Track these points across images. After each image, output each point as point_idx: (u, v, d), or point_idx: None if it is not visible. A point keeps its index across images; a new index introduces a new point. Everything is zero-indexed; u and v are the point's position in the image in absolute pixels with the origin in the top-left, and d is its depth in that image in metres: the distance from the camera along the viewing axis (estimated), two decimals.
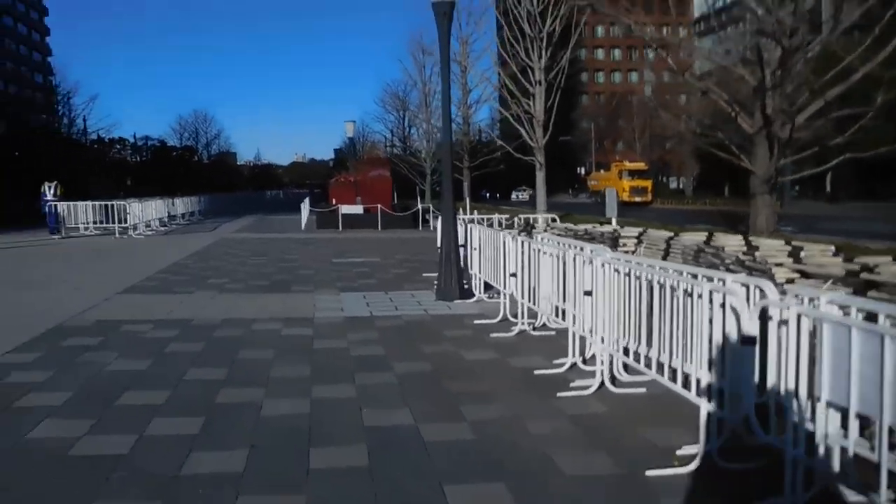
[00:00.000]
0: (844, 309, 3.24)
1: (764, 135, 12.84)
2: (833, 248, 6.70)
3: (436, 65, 42.12)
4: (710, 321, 4.04)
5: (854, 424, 3.16)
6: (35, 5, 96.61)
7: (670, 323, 4.63)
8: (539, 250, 7.51)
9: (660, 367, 4.93)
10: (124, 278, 12.23)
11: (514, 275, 8.14)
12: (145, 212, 26.04)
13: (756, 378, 3.84)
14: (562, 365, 6.38)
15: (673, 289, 4.51)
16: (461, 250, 10.47)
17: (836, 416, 3.28)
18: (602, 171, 75.22)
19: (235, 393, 5.57)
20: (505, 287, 8.48)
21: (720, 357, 4.01)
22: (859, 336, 2.97)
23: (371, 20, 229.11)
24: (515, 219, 14.86)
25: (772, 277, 4.72)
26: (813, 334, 3.34)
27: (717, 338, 4.01)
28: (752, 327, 3.68)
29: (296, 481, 3.94)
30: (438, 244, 13.24)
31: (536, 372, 6.25)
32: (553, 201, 46.62)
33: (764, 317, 3.76)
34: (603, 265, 5.54)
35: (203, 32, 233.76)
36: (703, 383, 4.14)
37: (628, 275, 5.17)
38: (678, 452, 4.32)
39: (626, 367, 5.87)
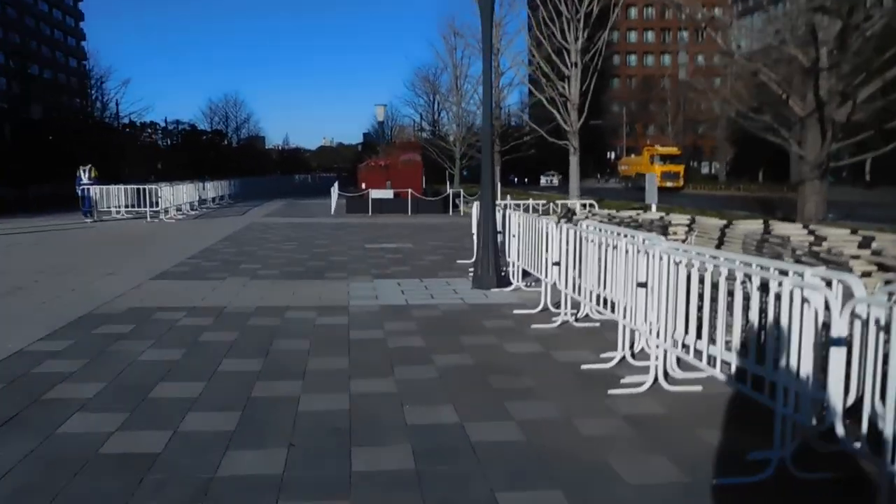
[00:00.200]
0: None
1: (816, 118, 12.27)
2: None
3: (467, 47, 41.86)
4: (788, 318, 3.70)
5: None
6: None
7: (739, 319, 4.30)
8: (585, 238, 7.19)
9: (724, 365, 4.60)
10: (156, 263, 12.12)
11: (557, 264, 7.82)
12: (176, 196, 26.08)
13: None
14: (610, 359, 6.07)
15: (743, 282, 4.16)
16: (498, 237, 10.17)
17: None
18: (633, 156, 74.21)
19: (271, 386, 5.35)
20: (546, 276, 8.16)
21: (799, 358, 3.67)
22: None
23: (401, 2, 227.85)
24: (552, 205, 14.49)
25: (850, 271, 4.35)
26: None
27: (796, 337, 3.67)
28: (841, 327, 3.34)
29: (339, 486, 3.69)
30: (473, 230, 12.96)
31: (584, 367, 5.94)
32: (583, 186, 46.06)
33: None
34: (661, 255, 5.19)
35: (233, 17, 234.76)
36: (780, 385, 3.81)
37: (690, 266, 4.83)
38: (747, 458, 3.99)
39: (677, 362, 5.56)
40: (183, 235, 18.26)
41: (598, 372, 5.82)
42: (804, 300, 3.60)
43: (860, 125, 12.66)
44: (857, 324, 3.55)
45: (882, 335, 3.16)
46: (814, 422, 3.79)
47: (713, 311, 4.73)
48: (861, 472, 3.81)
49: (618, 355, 6.06)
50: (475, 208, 13.09)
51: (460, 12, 64.47)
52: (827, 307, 3.51)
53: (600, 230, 6.99)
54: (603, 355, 6.25)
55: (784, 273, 3.94)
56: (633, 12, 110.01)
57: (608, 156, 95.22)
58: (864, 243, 5.23)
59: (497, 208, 10.45)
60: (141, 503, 3.48)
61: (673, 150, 64.30)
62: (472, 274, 10.69)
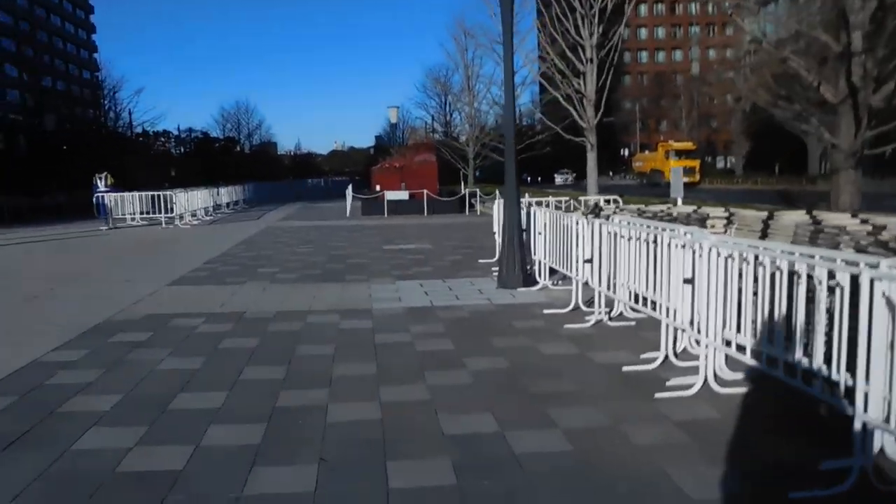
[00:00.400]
0: None
1: (849, 105, 11.84)
2: None
3: (478, 47, 41.47)
4: (869, 314, 3.35)
5: None
6: (81, 4, 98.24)
7: (802, 316, 3.96)
8: (618, 234, 6.86)
9: (787, 366, 4.26)
10: (173, 269, 11.89)
11: (589, 261, 7.49)
12: (191, 201, 25.91)
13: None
14: (652, 360, 5.73)
15: (810, 277, 3.82)
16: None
17: None
18: (647, 152, 73.53)
19: (297, 395, 5.05)
20: (577, 274, 7.83)
21: (881, 360, 3.33)
22: None
23: (410, 4, 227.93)
24: (572, 202, 14.15)
25: None
26: None
27: (880, 334, 3.32)
28: None
29: None
30: (495, 229, 12.67)
31: (625, 369, 5.60)
32: (598, 184, 45.55)
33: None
34: (709, 250, 4.85)
35: (243, 24, 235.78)
36: (860, 389, 3.46)
37: (745, 260, 4.48)
38: (820, 468, 3.65)
39: (725, 361, 5.21)
40: (199, 241, 18.05)
41: (641, 374, 5.49)
42: (885, 294, 3.26)
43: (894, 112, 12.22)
44: None
45: None
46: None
47: (772, 307, 4.38)
48: None
49: (660, 356, 5.72)
50: (497, 207, 12.80)
51: (471, 12, 64.22)
52: None
53: (634, 225, 6.66)
54: (643, 356, 5.91)
55: (853, 264, 3.59)
56: (644, 9, 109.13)
57: (621, 153, 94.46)
58: None
59: (520, 206, 10.10)
60: None
61: (688, 145, 63.57)
62: (495, 273, 10.38)
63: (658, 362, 5.65)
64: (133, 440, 4.20)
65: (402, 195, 26.52)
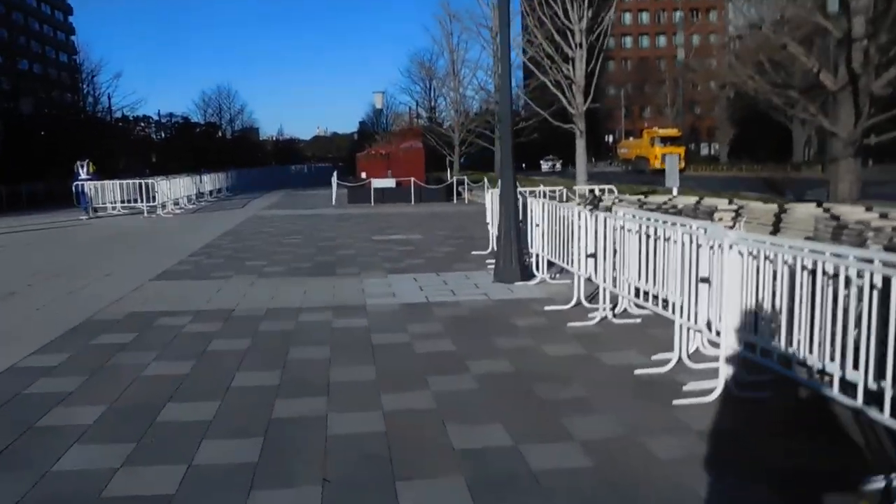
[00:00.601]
0: None
1: (849, 92, 11.63)
2: None
3: (464, 31, 40.95)
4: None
5: None
6: None
7: (846, 320, 3.72)
8: (623, 228, 6.60)
9: (812, 371, 4.02)
10: (156, 262, 11.50)
11: (592, 255, 7.23)
12: (173, 190, 25.38)
13: None
14: (664, 362, 5.48)
15: (848, 279, 3.57)
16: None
17: None
18: (632, 139, 73.46)
19: (294, 405, 4.75)
20: (579, 269, 7.57)
21: None
22: None
23: None
24: (565, 191, 13.87)
25: None
26: None
27: None
28: None
29: None
30: (488, 219, 12.38)
31: (637, 372, 5.35)
32: (572, 171, 45.29)
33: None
34: (731, 247, 4.60)
35: (224, 7, 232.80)
36: None
37: (770, 259, 4.23)
38: (865, 488, 3.41)
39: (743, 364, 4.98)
40: (182, 231, 17.62)
41: (654, 377, 5.24)
42: None
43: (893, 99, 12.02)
44: None
45: None
46: None
47: (797, 308, 4.14)
48: None
49: (673, 358, 5.48)
50: (489, 197, 12.50)
51: None
52: None
53: (642, 219, 6.40)
54: (654, 357, 5.67)
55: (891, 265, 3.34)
56: None
57: (606, 139, 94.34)
58: None
59: (517, 197, 9.80)
60: None
61: (673, 131, 63.50)
62: (490, 266, 10.12)
63: (671, 364, 5.41)
64: (119, 459, 3.89)
65: (389, 183, 26.14)
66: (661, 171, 54.09)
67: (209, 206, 27.19)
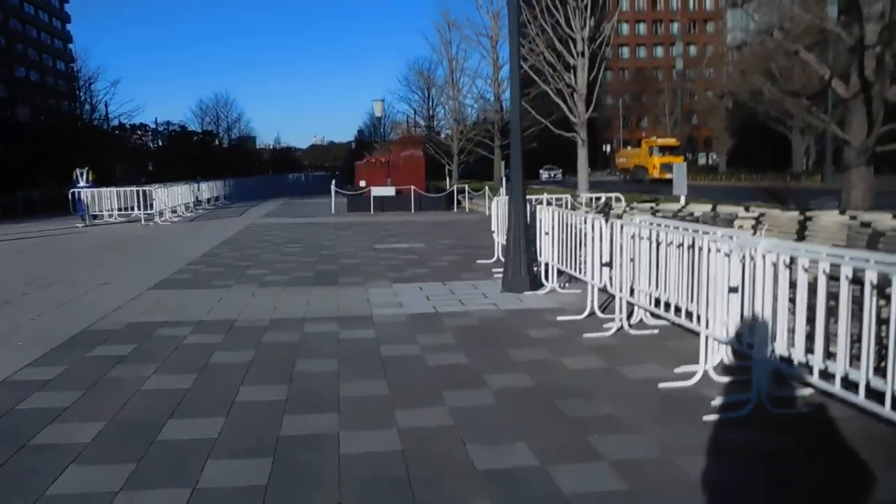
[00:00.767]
0: None
1: (861, 100, 11.45)
2: None
3: (463, 40, 40.82)
4: None
5: None
6: None
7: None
8: (640, 236, 6.38)
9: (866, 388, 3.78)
10: (155, 271, 11.23)
11: (608, 264, 7.00)
12: (171, 197, 25.11)
13: None
14: (688, 376, 5.23)
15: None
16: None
17: None
18: (629, 148, 73.42)
19: (303, 421, 4.49)
20: (592, 278, 7.33)
21: None
22: None
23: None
24: (572, 199, 13.63)
25: None
26: None
27: None
28: None
29: None
30: (493, 227, 12.15)
31: (661, 385, 5.10)
32: (573, 180, 45.10)
33: None
34: (764, 256, 4.37)
35: (223, 16, 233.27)
36: None
37: (812, 268, 4.00)
38: None
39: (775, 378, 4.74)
40: (180, 239, 17.34)
41: (680, 392, 4.99)
42: None
43: None
44: None
45: None
46: None
47: (847, 322, 3.90)
48: None
49: (698, 371, 5.23)
50: (494, 205, 12.28)
51: (456, 3, 63.46)
52: None
53: (663, 227, 6.17)
54: (678, 370, 5.42)
55: None
56: (625, 4, 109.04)
57: (603, 149, 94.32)
58: None
59: (527, 205, 9.56)
60: None
61: (671, 141, 63.51)
62: (497, 276, 9.90)
63: (697, 378, 5.16)
64: (119, 481, 3.63)
65: (389, 191, 25.91)
66: (660, 181, 54.41)
67: (207, 215, 26.92)
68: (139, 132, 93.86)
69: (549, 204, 10.98)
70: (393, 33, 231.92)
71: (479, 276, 10.27)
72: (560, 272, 8.86)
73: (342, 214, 24.64)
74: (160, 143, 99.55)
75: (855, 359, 4.00)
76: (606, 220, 7.01)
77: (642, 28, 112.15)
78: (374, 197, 25.42)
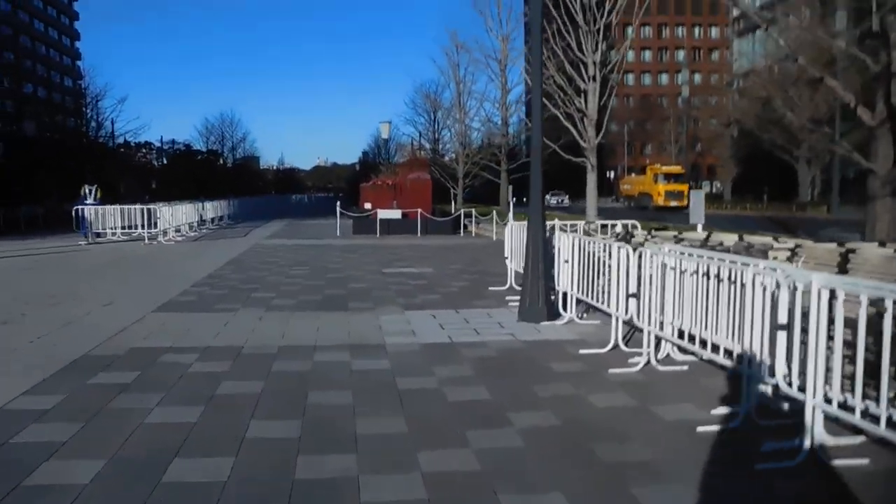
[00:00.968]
0: None
1: (887, 128, 11.20)
2: None
3: (471, 63, 40.82)
4: None
5: None
6: (65, 10, 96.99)
7: None
8: (670, 266, 6.07)
9: None
10: (158, 292, 10.92)
11: (634, 295, 6.69)
12: (175, 216, 24.86)
13: None
14: (729, 418, 4.91)
15: None
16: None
17: None
18: (634, 175, 73.39)
19: (319, 463, 4.16)
20: (617, 310, 7.01)
21: None
22: None
23: (399, 19, 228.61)
24: (585, 225, 13.36)
25: None
26: None
27: None
28: None
29: None
30: (506, 254, 11.85)
31: (700, 429, 4.77)
32: (580, 206, 44.86)
33: None
34: (819, 291, 4.06)
35: (231, 35, 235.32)
36: None
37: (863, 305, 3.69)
38: None
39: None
40: (184, 259, 17.05)
41: (722, 436, 4.66)
42: None
43: None
44: None
45: None
46: None
47: None
48: None
49: (739, 413, 4.90)
50: (508, 230, 11.99)
51: (463, 26, 63.84)
52: None
53: (698, 258, 5.87)
54: (714, 411, 5.09)
55: None
56: (630, 31, 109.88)
57: (607, 175, 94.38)
58: None
59: (546, 231, 9.27)
60: None
61: (677, 168, 63.50)
62: (512, 304, 9.62)
63: (738, 421, 4.83)
64: None
65: (396, 214, 25.65)
66: (665, 208, 54.10)
67: (211, 234, 26.66)
68: (144, 150, 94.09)
69: (567, 230, 10.69)
70: (399, 56, 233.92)
71: (492, 304, 9.96)
72: (578, 301, 8.56)
73: (347, 237, 24.37)
74: (164, 162, 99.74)
75: None
76: (635, 249, 6.71)
77: (647, 55, 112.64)
78: (381, 220, 25.15)
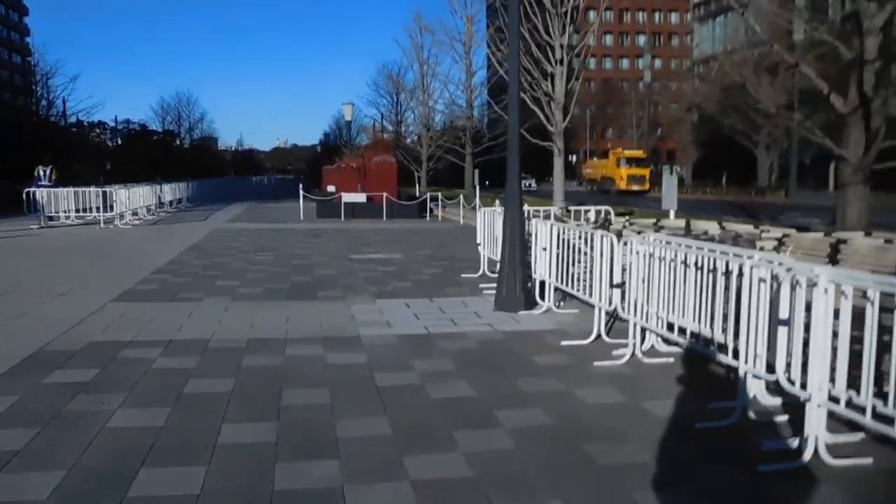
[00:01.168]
0: None
1: (860, 115, 11.20)
2: None
3: (434, 45, 40.36)
4: None
5: None
6: None
7: None
8: (656, 256, 5.89)
9: None
10: (117, 280, 10.44)
11: (618, 286, 6.51)
12: (132, 199, 24.04)
13: None
14: (724, 414, 4.75)
15: None
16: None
17: None
18: (596, 159, 73.76)
19: (299, 471, 3.87)
20: (600, 300, 6.83)
21: None
22: None
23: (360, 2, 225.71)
24: (556, 210, 13.18)
25: None
26: None
27: None
28: None
29: None
30: (479, 240, 11.61)
31: (698, 426, 4.60)
32: (546, 189, 44.85)
33: None
34: (825, 286, 3.89)
35: (187, 13, 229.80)
36: None
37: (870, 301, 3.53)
38: None
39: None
40: (143, 244, 16.44)
41: (720, 434, 4.50)
42: None
43: None
44: None
45: None
46: None
47: None
48: None
49: (736, 408, 4.75)
50: (480, 216, 11.75)
51: (427, 7, 63.09)
52: None
53: (690, 248, 5.68)
54: (709, 407, 4.93)
55: None
56: (592, 15, 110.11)
57: (570, 159, 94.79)
58: None
59: (524, 217, 9.04)
60: None
61: (638, 153, 63.92)
62: (486, 292, 9.43)
63: (735, 417, 4.68)
64: None
65: (360, 198, 25.22)
66: (627, 192, 54.38)
67: (169, 218, 25.90)
68: (97, 130, 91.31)
69: (540, 216, 10.48)
70: (360, 37, 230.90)
71: (466, 293, 9.72)
72: (555, 289, 8.37)
73: (311, 220, 23.89)
74: (119, 142, 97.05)
75: None
76: (620, 238, 6.51)
77: (609, 40, 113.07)
78: (345, 203, 24.71)
